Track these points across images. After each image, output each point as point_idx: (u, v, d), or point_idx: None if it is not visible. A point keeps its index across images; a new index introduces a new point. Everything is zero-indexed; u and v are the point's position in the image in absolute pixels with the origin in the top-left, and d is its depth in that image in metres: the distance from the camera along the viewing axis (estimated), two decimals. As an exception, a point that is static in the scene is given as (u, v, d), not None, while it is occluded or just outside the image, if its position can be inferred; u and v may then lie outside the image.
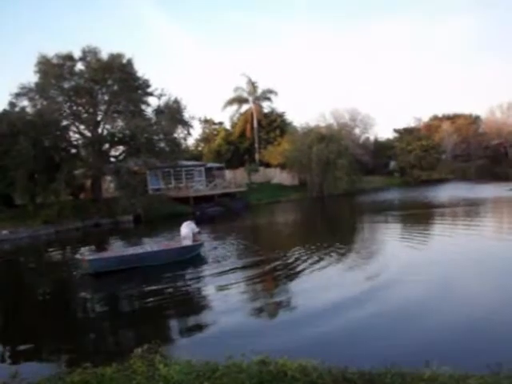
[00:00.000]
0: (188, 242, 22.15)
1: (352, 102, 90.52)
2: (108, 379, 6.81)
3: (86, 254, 22.42)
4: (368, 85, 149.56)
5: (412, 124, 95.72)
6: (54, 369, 9.46)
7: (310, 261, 19.47)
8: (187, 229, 22.38)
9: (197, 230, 22.78)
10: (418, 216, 35.09)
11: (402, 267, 17.61)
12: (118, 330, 13.51)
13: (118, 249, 26.49)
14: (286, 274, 17.72)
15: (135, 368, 7.02)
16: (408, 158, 77.89)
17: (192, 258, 21.78)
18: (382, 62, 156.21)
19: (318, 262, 19.24)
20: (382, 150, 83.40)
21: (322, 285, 15.85)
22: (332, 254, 20.88)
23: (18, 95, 46.32)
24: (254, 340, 10.75)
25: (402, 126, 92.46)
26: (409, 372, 6.68)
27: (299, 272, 17.81)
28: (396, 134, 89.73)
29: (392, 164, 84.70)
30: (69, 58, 46.81)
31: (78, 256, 21.29)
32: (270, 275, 17.69)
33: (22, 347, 12.13)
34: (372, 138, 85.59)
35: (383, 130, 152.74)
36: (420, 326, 11.18)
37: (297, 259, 20.04)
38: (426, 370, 6.79)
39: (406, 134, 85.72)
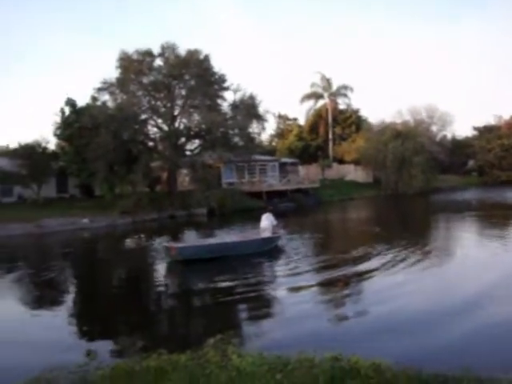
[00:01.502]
0: (268, 234, 22.52)
1: (430, 99, 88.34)
2: (182, 366, 6.96)
3: (172, 242, 23.17)
4: (447, 81, 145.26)
5: (492, 122, 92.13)
6: (129, 353, 9.74)
7: (385, 260, 18.96)
8: (267, 221, 22.80)
9: (275, 222, 23.12)
10: (498, 217, 33.79)
11: (485, 270, 16.92)
12: (192, 318, 13.71)
13: (192, 240, 27.11)
14: (361, 272, 17.27)
15: (209, 357, 7.14)
16: (487, 157, 75.21)
17: (271, 249, 22.07)
18: (463, 58, 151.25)
19: (393, 261, 18.74)
20: (459, 148, 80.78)
21: (395, 284, 15.41)
22: (409, 254, 20.07)
23: (100, 90, 48.32)
24: (324, 337, 10.61)
25: (481, 123, 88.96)
26: (486, 378, 6.46)
27: (373, 270, 17.40)
28: (475, 132, 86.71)
29: (470, 163, 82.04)
30: (148, 54, 48.16)
31: (165, 244, 22.00)
32: (345, 273, 17.29)
33: (99, 331, 12.58)
34: (450, 135, 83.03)
35: (462, 128, 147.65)
36: (502, 333, 10.68)
37: (371, 258, 19.59)
38: (505, 378, 6.55)
39: (485, 132, 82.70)
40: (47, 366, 6.95)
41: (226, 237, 24.64)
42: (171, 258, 20.47)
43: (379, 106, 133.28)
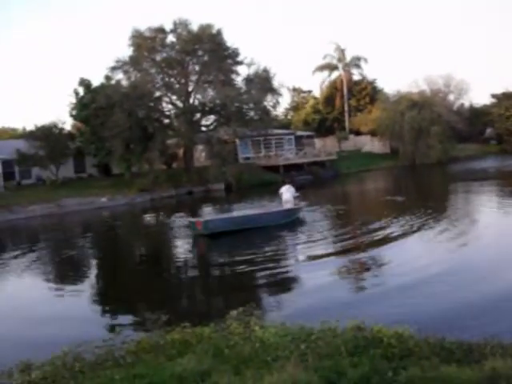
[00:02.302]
0: (290, 206, 22.77)
1: (446, 67, 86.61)
2: (206, 338, 7.02)
3: (197, 217, 23.59)
4: (464, 48, 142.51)
5: (511, 89, 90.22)
6: (153, 328, 9.84)
7: (403, 230, 18.89)
8: (288, 193, 22.97)
9: (296, 194, 23.34)
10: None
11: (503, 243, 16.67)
12: (215, 292, 13.87)
13: (214, 214, 27.38)
14: (378, 243, 17.21)
15: (232, 329, 7.19)
16: (506, 125, 73.79)
17: (293, 221, 22.36)
18: (479, 24, 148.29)
19: (412, 231, 18.63)
20: (477, 116, 79.33)
21: (414, 255, 15.26)
22: (427, 225, 19.82)
23: (113, 69, 48.34)
24: (345, 307, 10.57)
25: (500, 90, 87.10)
26: (509, 344, 6.41)
27: (388, 239, 17.41)
28: (493, 100, 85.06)
29: (488, 131, 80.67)
30: (160, 30, 47.92)
31: (190, 219, 22.30)
32: (364, 244, 17.23)
33: (122, 307, 12.75)
34: (467, 104, 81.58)
35: (480, 96, 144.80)
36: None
37: (388, 228, 19.53)
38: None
39: (504, 99, 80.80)
40: (74, 342, 7.04)
41: (250, 209, 24.99)
42: (197, 232, 20.68)
43: (394, 77, 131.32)
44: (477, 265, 13.79)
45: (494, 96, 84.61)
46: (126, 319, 11.54)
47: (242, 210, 25.40)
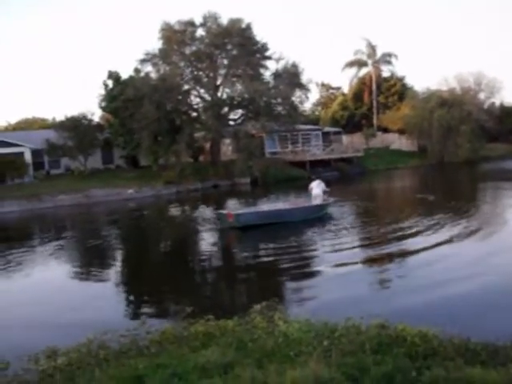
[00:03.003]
0: (319, 201, 22.73)
1: (477, 65, 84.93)
2: (230, 331, 7.06)
3: (228, 209, 23.75)
4: (496, 45, 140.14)
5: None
6: (177, 319, 9.93)
7: (431, 230, 18.38)
8: (318, 188, 22.88)
9: (327, 189, 23.27)
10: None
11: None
12: (240, 285, 13.90)
13: (243, 207, 27.46)
14: (412, 245, 16.33)
15: (256, 323, 7.21)
16: (539, 125, 72.53)
17: (322, 216, 22.35)
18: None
19: (439, 231, 18.19)
20: (508, 115, 78.10)
21: (441, 254, 14.92)
22: (456, 226, 19.15)
23: (142, 61, 48.72)
24: (369, 305, 10.43)
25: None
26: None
27: (414, 238, 17.14)
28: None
29: (519, 131, 79.31)
30: (190, 24, 48.11)
31: (221, 211, 22.38)
32: (392, 243, 16.82)
33: (147, 298, 12.87)
34: (498, 102, 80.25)
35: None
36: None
37: (417, 228, 19.04)
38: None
39: (537, 98, 79.64)
40: (98, 330, 7.13)
41: (280, 204, 24.89)
42: (228, 224, 20.74)
43: (424, 74, 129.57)
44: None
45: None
46: (150, 309, 11.66)
47: (272, 204, 25.29)
